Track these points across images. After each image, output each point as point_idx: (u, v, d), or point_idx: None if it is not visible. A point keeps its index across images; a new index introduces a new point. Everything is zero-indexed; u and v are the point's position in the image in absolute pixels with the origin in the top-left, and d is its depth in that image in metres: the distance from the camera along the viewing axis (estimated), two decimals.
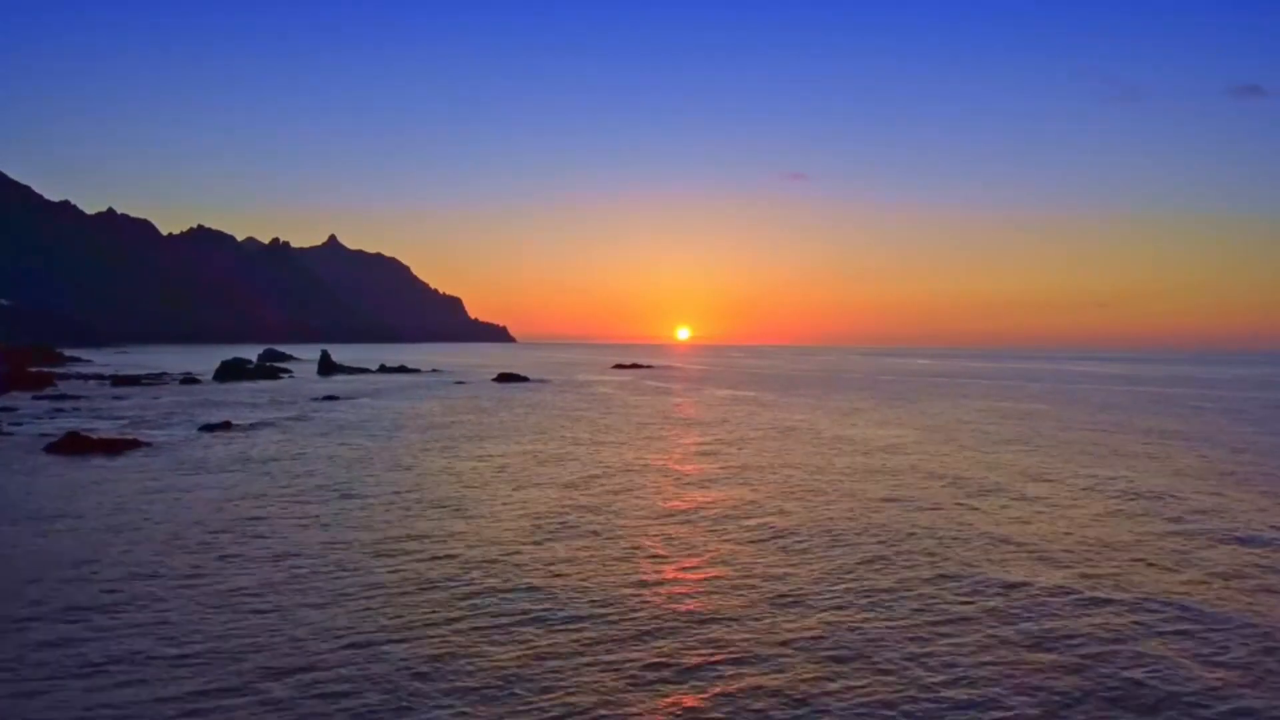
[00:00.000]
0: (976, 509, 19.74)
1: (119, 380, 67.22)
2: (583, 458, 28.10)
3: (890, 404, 55.22)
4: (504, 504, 19.91)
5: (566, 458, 28.00)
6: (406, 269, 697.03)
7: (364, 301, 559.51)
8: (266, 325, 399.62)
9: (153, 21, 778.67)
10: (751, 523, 18.09)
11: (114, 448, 28.35)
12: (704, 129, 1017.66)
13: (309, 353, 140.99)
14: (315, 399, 52.81)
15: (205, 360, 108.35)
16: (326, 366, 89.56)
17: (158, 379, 72.07)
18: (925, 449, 31.18)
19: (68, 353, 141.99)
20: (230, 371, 74.77)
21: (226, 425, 35.64)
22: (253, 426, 36.51)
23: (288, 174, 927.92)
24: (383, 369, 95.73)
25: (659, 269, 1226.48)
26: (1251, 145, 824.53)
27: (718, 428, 39.06)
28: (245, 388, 64.01)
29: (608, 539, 16.46)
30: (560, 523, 17.85)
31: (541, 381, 79.38)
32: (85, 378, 73.67)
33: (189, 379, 69.39)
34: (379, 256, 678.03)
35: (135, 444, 29.33)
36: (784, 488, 22.52)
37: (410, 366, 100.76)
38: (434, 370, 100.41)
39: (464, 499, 20.46)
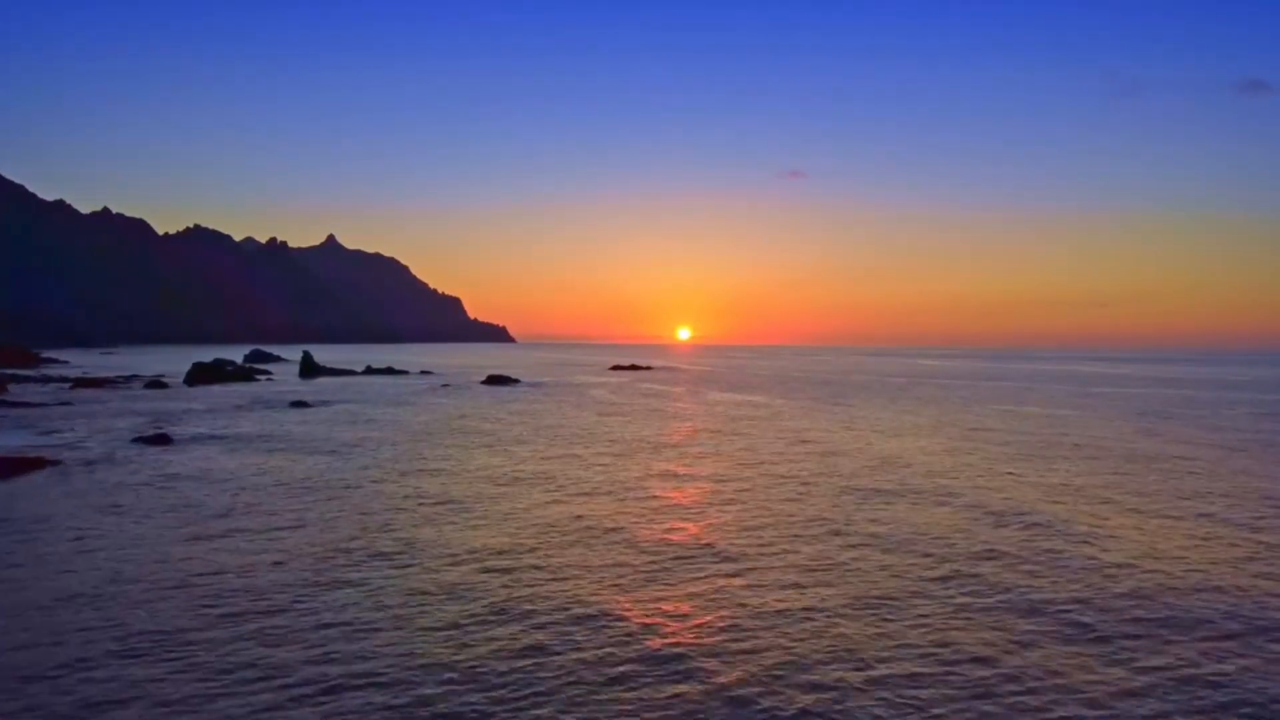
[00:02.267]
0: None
1: (81, 384, 63.24)
2: (499, 492, 23.95)
3: (912, 410, 51.04)
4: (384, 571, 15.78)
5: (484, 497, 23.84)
6: (405, 269, 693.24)
7: (363, 301, 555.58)
8: (264, 326, 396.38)
9: (148, 19, 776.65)
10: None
11: (11, 469, 24.26)
12: (702, 128, 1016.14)
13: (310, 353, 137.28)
14: (282, 405, 48.73)
15: (193, 361, 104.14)
16: (309, 368, 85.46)
17: (125, 382, 68.12)
18: (982, 476, 27.02)
19: (51, 354, 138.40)
20: (203, 374, 70.63)
21: (162, 439, 31.53)
22: (193, 439, 32.41)
23: (285, 173, 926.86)
24: (369, 370, 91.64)
25: (659, 269, 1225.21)
26: (1256, 142, 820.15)
27: (721, 443, 34.90)
28: (214, 391, 59.93)
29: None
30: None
31: (533, 384, 75.37)
32: (50, 380, 69.59)
33: (156, 382, 65.34)
34: (378, 256, 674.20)
35: (40, 463, 25.24)
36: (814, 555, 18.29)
37: (398, 368, 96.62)
38: (423, 372, 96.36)
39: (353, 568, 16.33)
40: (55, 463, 25.58)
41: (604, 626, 11.50)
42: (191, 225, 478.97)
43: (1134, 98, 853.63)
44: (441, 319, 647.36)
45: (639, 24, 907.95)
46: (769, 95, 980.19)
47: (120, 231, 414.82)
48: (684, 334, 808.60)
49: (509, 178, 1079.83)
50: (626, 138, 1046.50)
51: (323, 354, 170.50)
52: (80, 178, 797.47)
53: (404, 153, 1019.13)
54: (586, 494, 21.66)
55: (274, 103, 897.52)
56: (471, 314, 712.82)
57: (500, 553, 15.45)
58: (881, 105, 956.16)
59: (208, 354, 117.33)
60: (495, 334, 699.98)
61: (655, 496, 21.52)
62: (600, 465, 26.81)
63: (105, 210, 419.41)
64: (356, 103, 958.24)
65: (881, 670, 10.02)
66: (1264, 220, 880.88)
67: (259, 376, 77.96)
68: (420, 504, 20.09)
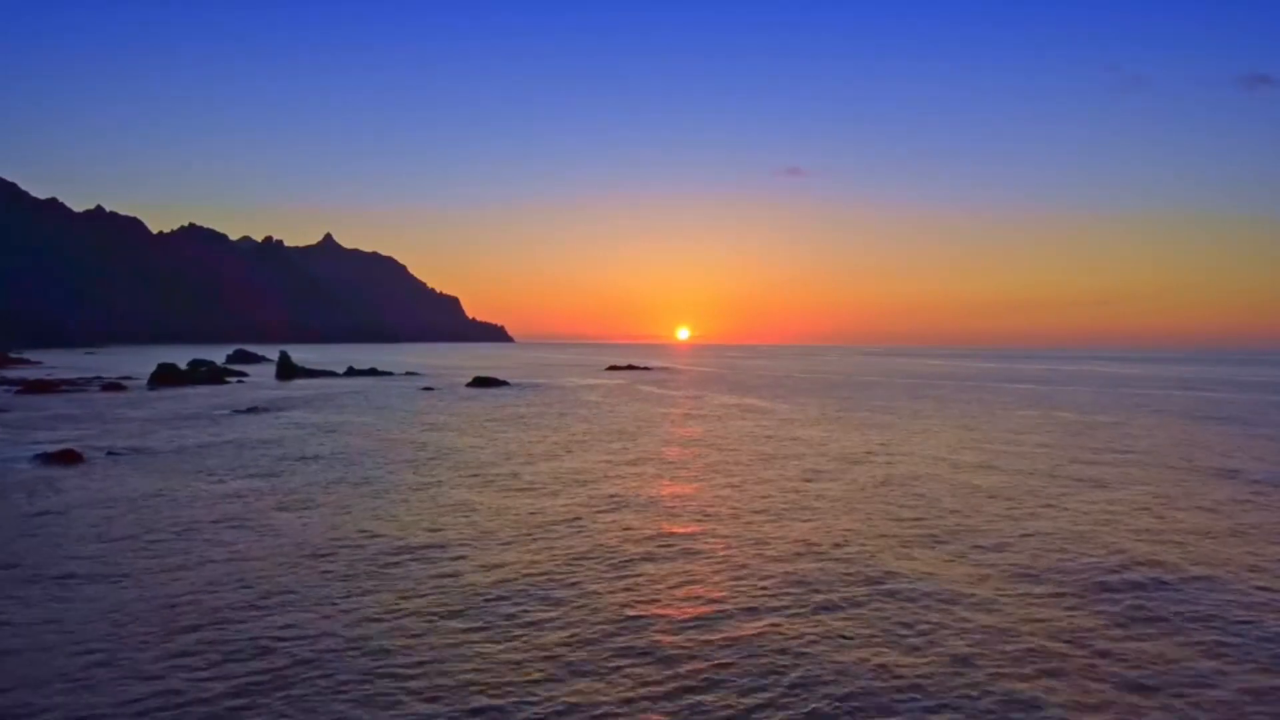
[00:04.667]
0: None
1: (31, 387, 58.62)
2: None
3: (941, 416, 46.31)
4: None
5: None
6: (403, 268, 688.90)
7: (360, 301, 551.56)
8: (261, 325, 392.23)
9: (143, 16, 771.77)
10: None
11: None
12: (699, 125, 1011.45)
13: (302, 352, 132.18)
14: (237, 412, 44.13)
15: (178, 361, 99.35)
16: (285, 370, 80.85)
17: (84, 384, 63.63)
18: (1063, 510, 22.35)
19: (31, 355, 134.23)
20: (167, 376, 66.07)
21: (70, 456, 26.91)
22: (110, 455, 27.84)
23: (282, 172, 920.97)
24: (350, 372, 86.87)
25: (658, 268, 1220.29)
26: (1259, 138, 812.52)
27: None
28: (173, 395, 55.33)
29: None
30: None
31: (522, 386, 70.79)
32: (3, 383, 65.02)
33: (114, 385, 60.75)
34: (375, 255, 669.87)
35: None
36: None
37: (382, 369, 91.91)
38: (408, 373, 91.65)
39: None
40: None
41: None
42: (186, 224, 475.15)
43: (1136, 93, 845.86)
44: (440, 319, 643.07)
45: (635, 23, 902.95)
46: (765, 91, 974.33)
47: (114, 230, 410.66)
48: (683, 334, 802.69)
49: (506, 177, 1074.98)
50: (623, 136, 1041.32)
51: (318, 354, 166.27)
52: (73, 175, 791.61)
53: (402, 152, 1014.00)
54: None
55: (270, 100, 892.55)
56: (470, 314, 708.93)
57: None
58: (880, 101, 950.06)
59: (197, 354, 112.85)
60: (494, 334, 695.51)
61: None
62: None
63: (98, 208, 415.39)
64: (354, 101, 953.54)
65: None
66: (1265, 219, 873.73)
67: (230, 379, 73.40)
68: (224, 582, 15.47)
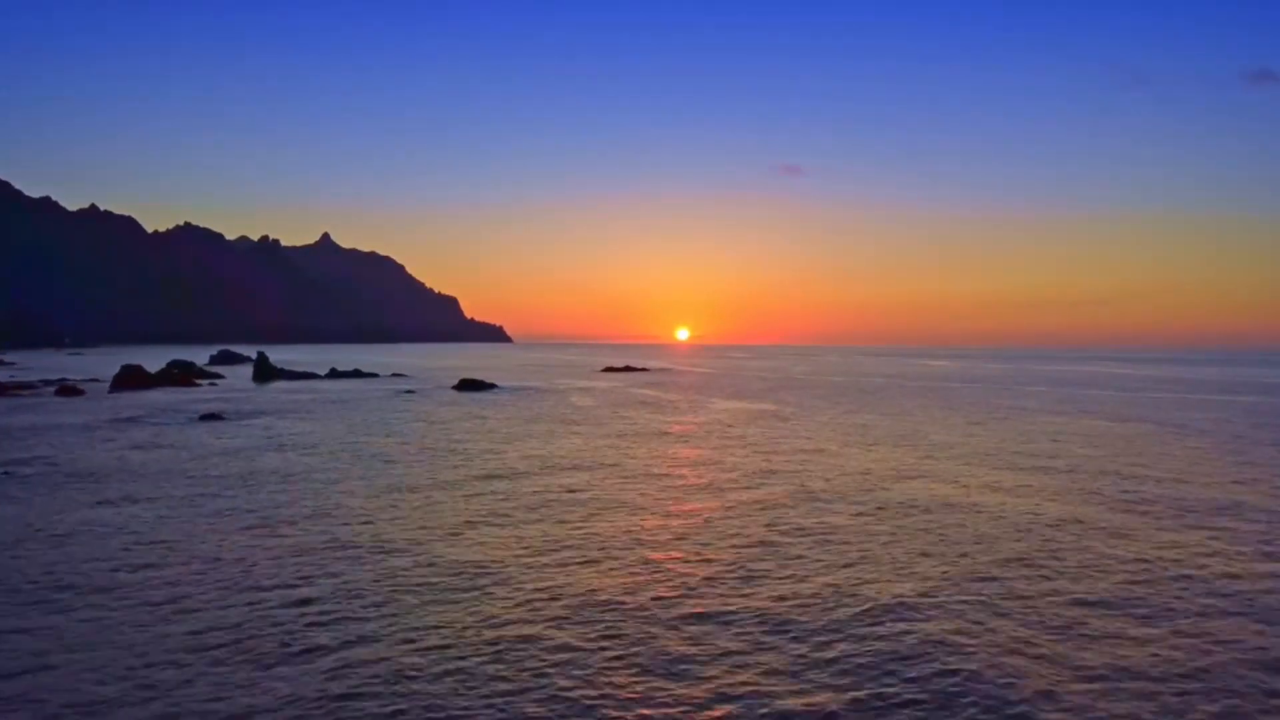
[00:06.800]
0: None
1: None
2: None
3: (971, 422, 42.30)
4: None
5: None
6: (401, 268, 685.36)
7: (358, 301, 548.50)
8: (257, 325, 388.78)
9: (139, 13, 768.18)
10: None
11: None
12: (697, 124, 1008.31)
13: (295, 353, 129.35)
14: (190, 419, 40.17)
15: (163, 362, 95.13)
16: (262, 372, 76.93)
17: (40, 387, 59.78)
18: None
19: (7, 355, 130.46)
20: (131, 379, 62.10)
21: None
22: (5, 472, 23.90)
23: (279, 171, 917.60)
24: (332, 374, 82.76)
25: (657, 268, 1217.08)
26: (1264, 136, 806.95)
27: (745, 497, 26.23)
28: (130, 399, 51.40)
29: None
30: None
31: (511, 389, 66.88)
32: None
33: (71, 388, 56.72)
34: (373, 255, 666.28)
35: None
36: None
37: (367, 371, 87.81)
38: (395, 375, 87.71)
39: None
40: None
41: None
42: (182, 223, 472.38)
43: (1138, 90, 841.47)
44: (438, 319, 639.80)
45: (634, 23, 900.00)
46: (764, 89, 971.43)
47: (108, 229, 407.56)
48: (683, 334, 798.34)
49: (505, 176, 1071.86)
50: (622, 136, 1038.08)
51: (311, 354, 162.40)
52: (67, 174, 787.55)
53: (400, 151, 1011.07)
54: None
55: (267, 99, 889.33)
56: (468, 314, 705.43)
57: None
58: (878, 99, 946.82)
59: (189, 354, 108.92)
60: (492, 334, 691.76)
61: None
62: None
63: (93, 207, 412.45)
64: (352, 100, 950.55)
65: None
66: (1270, 217, 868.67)
67: (203, 381, 69.57)
68: None
